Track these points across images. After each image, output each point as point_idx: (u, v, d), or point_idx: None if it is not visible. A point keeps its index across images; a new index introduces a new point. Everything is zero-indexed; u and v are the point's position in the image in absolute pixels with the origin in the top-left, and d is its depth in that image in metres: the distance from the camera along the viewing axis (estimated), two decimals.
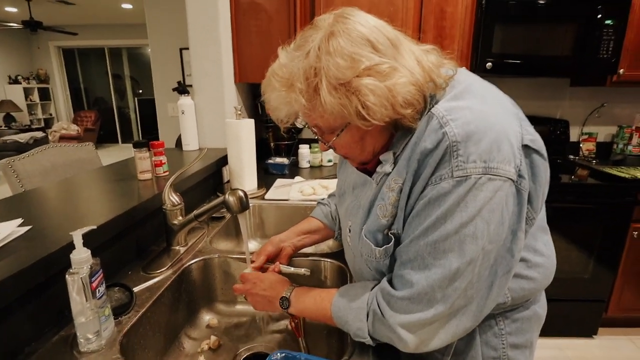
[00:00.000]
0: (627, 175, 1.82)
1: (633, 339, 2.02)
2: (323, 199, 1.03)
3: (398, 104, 0.51)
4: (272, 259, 0.90)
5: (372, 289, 0.62)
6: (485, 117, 0.51)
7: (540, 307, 0.71)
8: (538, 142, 0.56)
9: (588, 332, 2.05)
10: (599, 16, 1.76)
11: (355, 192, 0.71)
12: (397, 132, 0.60)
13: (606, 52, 1.81)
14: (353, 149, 0.62)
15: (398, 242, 0.59)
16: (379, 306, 0.58)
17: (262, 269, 0.86)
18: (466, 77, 0.59)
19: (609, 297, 1.98)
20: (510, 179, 0.51)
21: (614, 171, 1.91)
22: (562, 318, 2.01)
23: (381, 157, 0.61)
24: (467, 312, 0.55)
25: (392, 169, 0.59)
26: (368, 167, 0.66)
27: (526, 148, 0.53)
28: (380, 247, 0.61)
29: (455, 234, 0.51)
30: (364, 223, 0.64)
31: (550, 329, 2.07)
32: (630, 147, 2.26)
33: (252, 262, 0.87)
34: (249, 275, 0.80)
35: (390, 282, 0.59)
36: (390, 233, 0.60)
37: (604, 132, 2.36)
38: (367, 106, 0.50)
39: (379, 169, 0.61)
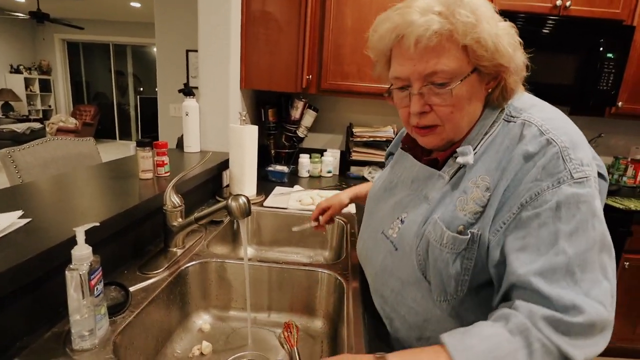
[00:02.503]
0: (621, 206, 1.85)
1: None
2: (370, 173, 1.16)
3: (517, 55, 0.58)
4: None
5: (504, 325, 0.48)
6: (577, 131, 0.57)
7: None
8: (603, 168, 0.60)
9: None
10: (601, 49, 1.81)
11: (415, 186, 0.70)
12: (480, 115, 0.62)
13: (606, 84, 1.86)
14: (459, 108, 0.59)
15: (475, 243, 0.56)
16: (551, 341, 0.46)
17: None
18: (533, 96, 0.66)
19: None
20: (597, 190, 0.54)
21: (608, 201, 1.94)
22: None
23: (459, 150, 0.61)
24: None
25: (476, 165, 0.59)
26: (440, 157, 0.66)
27: None
28: (452, 232, 0.58)
29: (600, 241, 0.50)
30: (432, 212, 0.62)
31: None
32: (625, 179, 2.30)
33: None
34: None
35: (548, 308, 0.48)
36: (470, 231, 0.57)
37: None
38: (505, 45, 0.55)
39: (460, 159, 0.60)
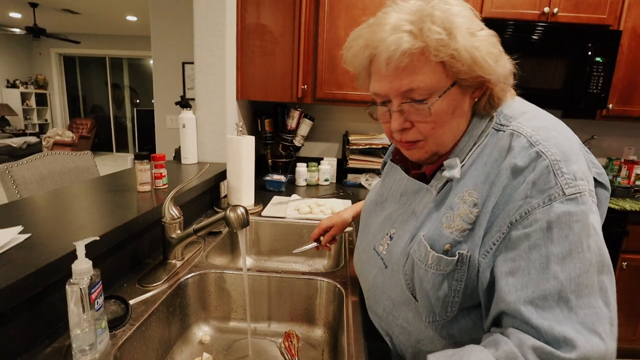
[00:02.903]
0: (616, 207, 1.86)
1: None
2: (367, 180, 1.05)
3: (506, 69, 0.55)
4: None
5: (494, 352, 0.46)
6: (570, 140, 0.53)
7: None
8: (604, 176, 0.56)
9: None
10: (589, 53, 1.84)
11: (403, 200, 0.68)
12: (471, 122, 0.60)
13: (596, 87, 1.89)
14: (440, 123, 0.57)
15: (464, 264, 0.53)
16: None
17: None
18: (524, 101, 0.62)
19: None
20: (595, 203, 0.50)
21: None
22: None
23: (446, 163, 0.59)
24: None
25: (463, 179, 0.56)
26: (427, 172, 0.64)
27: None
28: (437, 252, 0.55)
29: (597, 262, 0.46)
30: (418, 229, 0.60)
31: None
32: (619, 179, 2.32)
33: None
34: None
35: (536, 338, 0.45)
36: (458, 252, 0.53)
37: None
38: (488, 58, 0.53)
39: (445, 173, 0.58)
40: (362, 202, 1.03)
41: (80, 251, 0.61)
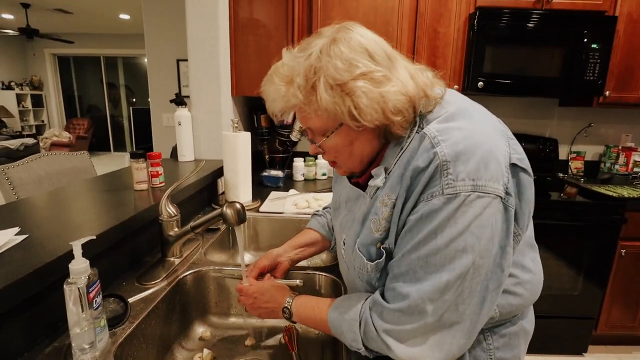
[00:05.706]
0: (614, 194, 1.87)
1: (621, 357, 2.04)
2: (318, 211, 1.04)
3: (388, 109, 0.55)
4: (266, 273, 0.92)
5: (365, 301, 0.63)
6: (475, 137, 0.54)
7: (528, 323, 0.72)
8: (525, 161, 0.58)
9: (578, 349, 2.06)
10: (585, 40, 1.83)
11: (349, 206, 0.73)
12: (387, 142, 0.63)
13: (592, 74, 1.88)
14: (341, 153, 0.64)
15: (390, 257, 0.61)
16: (370, 316, 0.60)
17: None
18: (456, 98, 0.62)
19: (598, 314, 2.00)
20: (499, 196, 0.53)
21: (601, 189, 1.96)
22: (553, 335, 2.02)
23: (373, 172, 0.63)
24: (461, 328, 0.55)
25: (385, 184, 0.61)
26: (360, 181, 0.69)
27: (513, 167, 0.56)
28: (372, 261, 0.62)
29: (445, 248, 0.53)
30: (357, 236, 0.66)
31: (541, 346, 2.09)
32: (617, 167, 2.33)
33: (247, 276, 0.88)
34: (248, 289, 0.82)
35: (382, 294, 0.60)
36: (383, 247, 0.61)
37: (591, 151, 2.42)
38: (359, 107, 0.54)
39: (370, 182, 0.63)
40: (299, 237, 0.99)
41: (77, 251, 0.61)
